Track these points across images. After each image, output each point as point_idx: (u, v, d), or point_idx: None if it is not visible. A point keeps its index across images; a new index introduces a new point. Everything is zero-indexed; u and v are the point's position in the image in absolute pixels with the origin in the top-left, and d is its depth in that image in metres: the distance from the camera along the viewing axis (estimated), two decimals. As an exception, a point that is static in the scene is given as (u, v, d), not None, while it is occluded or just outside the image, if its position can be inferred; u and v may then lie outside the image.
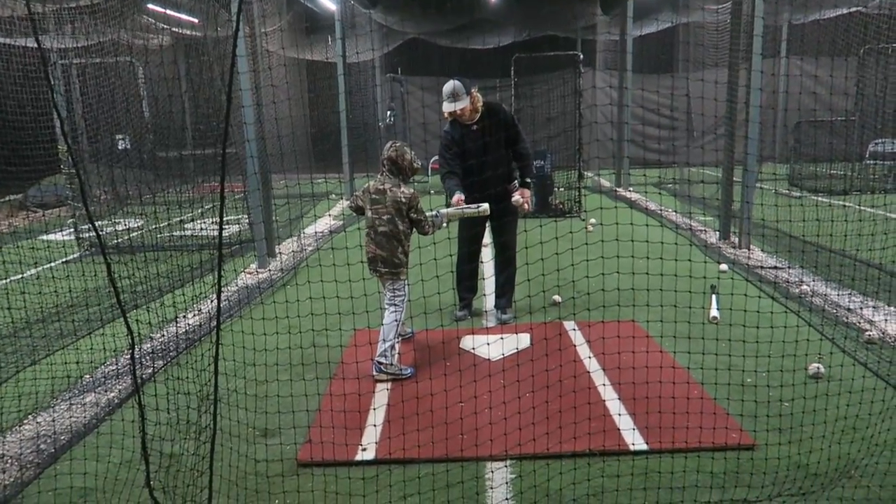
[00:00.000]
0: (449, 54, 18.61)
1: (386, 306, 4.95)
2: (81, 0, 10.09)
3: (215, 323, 2.77)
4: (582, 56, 12.24)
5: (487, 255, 7.71)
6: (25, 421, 4.35)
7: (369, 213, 4.90)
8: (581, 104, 11.72)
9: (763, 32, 8.02)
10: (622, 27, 15.08)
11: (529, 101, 13.87)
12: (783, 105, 16.13)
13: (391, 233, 4.81)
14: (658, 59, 17.12)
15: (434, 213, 5.09)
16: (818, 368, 4.59)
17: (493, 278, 6.30)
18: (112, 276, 2.44)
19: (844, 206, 9.49)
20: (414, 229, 4.96)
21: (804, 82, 15.80)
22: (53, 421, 4.31)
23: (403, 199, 4.80)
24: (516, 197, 5.77)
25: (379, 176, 4.93)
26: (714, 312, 5.93)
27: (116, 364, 5.28)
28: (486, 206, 5.24)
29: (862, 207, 9.92)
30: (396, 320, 4.87)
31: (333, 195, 14.47)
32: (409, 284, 5.00)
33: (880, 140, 13.61)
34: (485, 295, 6.37)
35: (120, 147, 12.22)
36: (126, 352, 5.42)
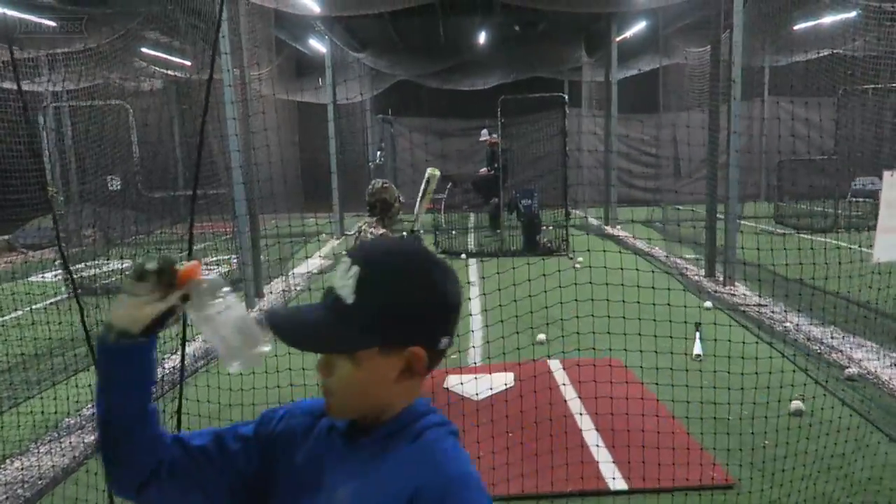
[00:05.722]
0: (438, 96, 18.92)
1: None
2: (74, 45, 10.28)
3: (193, 368, 2.78)
4: (567, 97, 12.47)
5: (475, 299, 7.73)
6: (3, 465, 4.30)
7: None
8: (567, 144, 11.90)
9: (743, 74, 8.23)
10: (607, 70, 15.41)
11: (517, 141, 14.06)
12: (765, 145, 16.41)
13: None
14: (643, 99, 17.42)
15: (413, 229, 5.12)
16: (798, 405, 4.61)
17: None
18: (85, 321, 2.47)
19: (828, 243, 9.60)
20: None
21: (786, 122, 16.11)
22: (31, 466, 4.27)
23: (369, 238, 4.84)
24: None
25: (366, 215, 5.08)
26: (697, 350, 5.95)
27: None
28: (428, 170, 5.25)
29: (845, 245, 10.04)
30: None
31: (324, 234, 14.54)
32: None
33: (861, 178, 13.86)
34: (472, 331, 6.38)
35: (111, 187, 12.29)
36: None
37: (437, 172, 5.28)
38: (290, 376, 4.35)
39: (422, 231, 5.19)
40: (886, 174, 3.56)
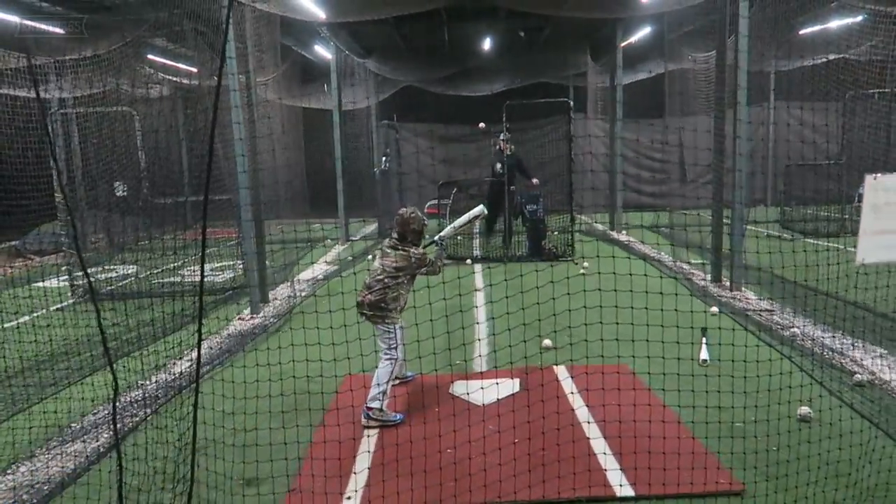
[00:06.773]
0: (442, 101, 18.93)
1: (380, 355, 4.98)
2: (82, 52, 10.32)
3: (200, 371, 2.78)
4: (572, 103, 12.45)
5: (481, 305, 7.71)
6: (9, 470, 4.30)
7: (376, 263, 5.16)
8: (573, 149, 11.88)
9: (749, 79, 8.19)
10: (612, 75, 15.39)
11: (522, 147, 14.04)
12: (772, 149, 16.35)
13: (385, 282, 4.98)
14: (648, 104, 17.38)
15: (436, 239, 5.36)
16: (806, 411, 4.57)
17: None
18: (101, 323, 2.47)
19: (835, 247, 9.56)
20: (414, 281, 5.19)
21: (793, 127, 16.06)
22: (36, 470, 4.27)
23: (414, 259, 5.05)
24: None
25: (393, 236, 5.18)
26: (704, 355, 5.92)
27: (106, 411, 5.24)
28: (479, 208, 5.61)
29: (852, 249, 9.97)
30: (390, 368, 4.91)
31: (329, 240, 14.55)
32: (401, 328, 5.03)
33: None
34: (478, 339, 6.37)
35: (118, 194, 12.33)
36: (110, 401, 5.39)
37: (486, 212, 5.75)
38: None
39: (442, 243, 5.42)
40: (869, 178, 3.55)
